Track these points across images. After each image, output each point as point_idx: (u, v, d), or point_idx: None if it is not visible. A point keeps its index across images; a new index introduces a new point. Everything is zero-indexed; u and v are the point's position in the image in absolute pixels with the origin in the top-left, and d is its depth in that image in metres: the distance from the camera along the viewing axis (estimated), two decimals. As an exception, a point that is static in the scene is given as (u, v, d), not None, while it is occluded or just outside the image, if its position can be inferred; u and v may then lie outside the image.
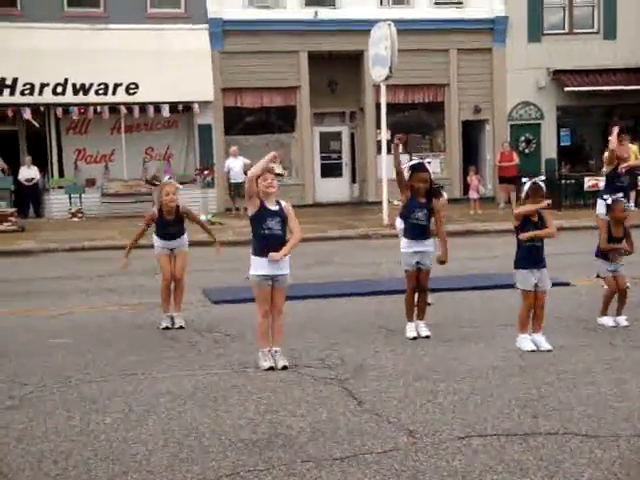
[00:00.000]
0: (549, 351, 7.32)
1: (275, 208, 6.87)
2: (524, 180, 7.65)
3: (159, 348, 7.83)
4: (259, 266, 6.87)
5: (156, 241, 8.88)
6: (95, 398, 6.17)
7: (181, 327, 8.71)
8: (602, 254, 8.59)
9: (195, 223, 9.19)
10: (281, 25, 23.04)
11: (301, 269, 12.55)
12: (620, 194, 8.90)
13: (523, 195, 7.58)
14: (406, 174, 8.02)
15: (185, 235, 8.96)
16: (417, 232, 8.00)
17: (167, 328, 8.69)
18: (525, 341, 7.45)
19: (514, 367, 6.88)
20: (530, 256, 7.51)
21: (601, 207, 10.49)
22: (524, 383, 6.38)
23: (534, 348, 7.37)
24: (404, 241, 8.15)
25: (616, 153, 10.98)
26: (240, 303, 9.47)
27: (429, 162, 8.35)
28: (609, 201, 8.67)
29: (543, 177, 7.84)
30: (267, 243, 6.81)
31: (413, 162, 8.33)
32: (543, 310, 7.56)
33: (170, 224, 8.75)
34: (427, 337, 7.98)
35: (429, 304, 8.57)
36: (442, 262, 8.04)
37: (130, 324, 9.05)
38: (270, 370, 6.82)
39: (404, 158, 10.94)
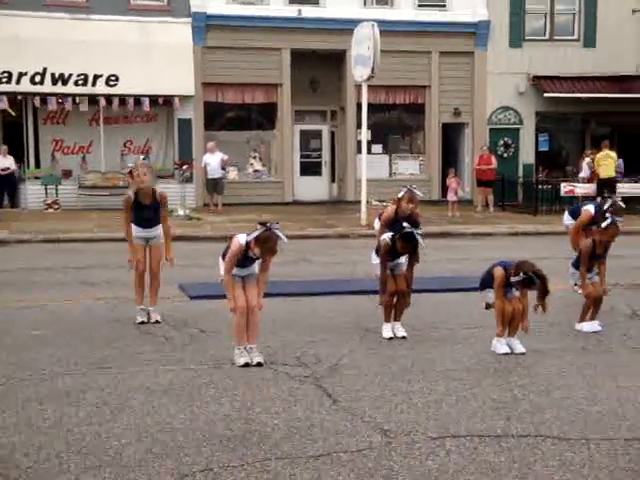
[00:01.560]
0: (522, 354, 7.40)
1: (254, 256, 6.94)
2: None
3: (135, 342, 7.80)
4: None
5: (134, 231, 8.81)
6: (69, 391, 6.13)
7: (157, 322, 8.68)
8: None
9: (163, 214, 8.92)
10: (264, 22, 23.00)
11: (279, 267, 12.52)
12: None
13: None
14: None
15: (161, 226, 8.89)
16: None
17: (143, 323, 8.66)
18: (499, 344, 7.51)
19: (488, 369, 6.94)
20: None
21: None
22: (498, 385, 6.43)
23: (508, 351, 7.44)
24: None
25: None
26: (217, 299, 9.43)
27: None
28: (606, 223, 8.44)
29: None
30: (242, 278, 7.09)
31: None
32: None
33: (146, 208, 8.69)
34: (403, 337, 8.05)
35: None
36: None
37: (105, 317, 9.00)
38: (246, 367, 6.83)
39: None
